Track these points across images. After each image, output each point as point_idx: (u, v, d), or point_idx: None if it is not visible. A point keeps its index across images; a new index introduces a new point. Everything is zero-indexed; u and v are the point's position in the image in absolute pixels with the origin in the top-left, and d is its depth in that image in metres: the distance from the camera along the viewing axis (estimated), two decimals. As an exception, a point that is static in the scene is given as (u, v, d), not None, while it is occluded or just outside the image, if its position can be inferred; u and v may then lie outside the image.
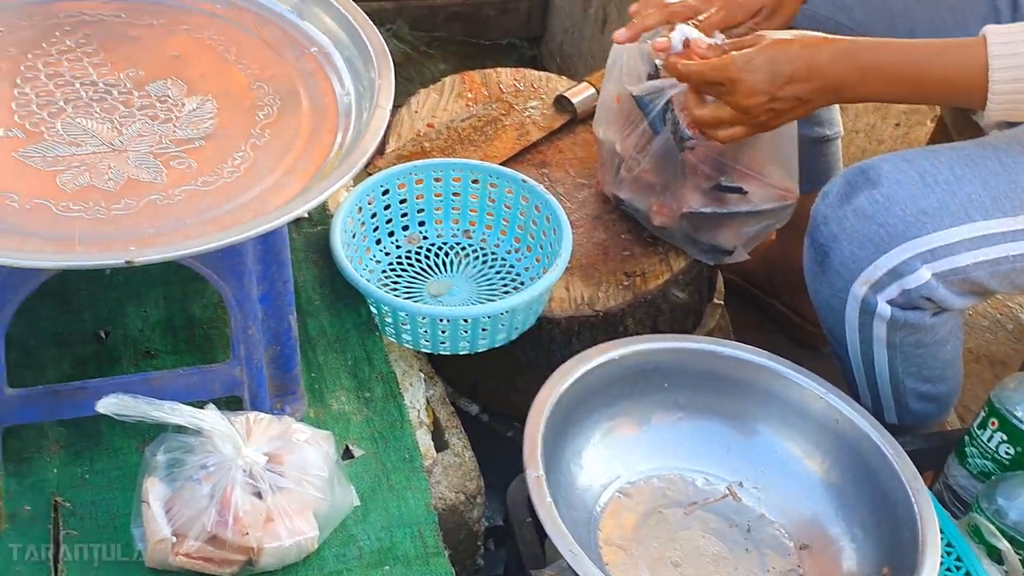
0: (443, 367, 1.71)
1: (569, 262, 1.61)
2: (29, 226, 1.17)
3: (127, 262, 1.11)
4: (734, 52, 1.51)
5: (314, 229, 1.70)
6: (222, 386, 1.33)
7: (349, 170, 1.24)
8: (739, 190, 1.72)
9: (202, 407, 1.24)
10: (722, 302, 2.01)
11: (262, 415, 1.29)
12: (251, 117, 1.35)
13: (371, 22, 1.43)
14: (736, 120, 1.54)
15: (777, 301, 2.27)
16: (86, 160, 1.25)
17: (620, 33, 1.65)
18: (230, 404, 1.37)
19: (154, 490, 1.22)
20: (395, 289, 1.68)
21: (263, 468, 1.24)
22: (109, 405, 1.14)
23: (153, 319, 1.56)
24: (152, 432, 1.26)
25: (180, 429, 1.23)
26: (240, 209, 1.24)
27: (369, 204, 1.70)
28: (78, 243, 1.15)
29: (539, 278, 1.57)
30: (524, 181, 1.69)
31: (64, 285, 1.57)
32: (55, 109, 1.31)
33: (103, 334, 1.53)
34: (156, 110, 1.33)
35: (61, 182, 1.22)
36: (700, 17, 1.63)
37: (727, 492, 1.56)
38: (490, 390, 1.84)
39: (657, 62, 1.66)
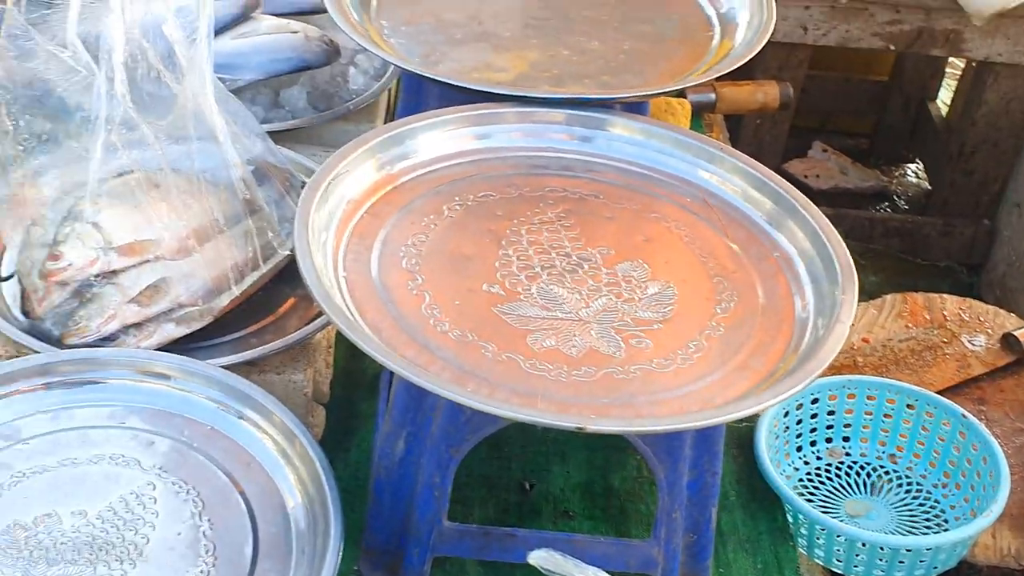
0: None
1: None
2: (497, 376, 1.27)
3: (579, 428, 1.18)
4: None
5: (739, 424, 1.72)
6: (637, 563, 1.36)
7: (803, 379, 1.26)
8: None
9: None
10: None
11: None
12: (709, 309, 1.40)
13: (840, 238, 1.45)
14: None
15: None
16: (554, 325, 1.35)
17: None
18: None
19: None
20: (811, 500, 1.66)
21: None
22: (539, 558, 1.19)
23: (574, 480, 1.63)
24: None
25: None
26: (689, 396, 1.28)
27: (797, 409, 1.70)
28: (540, 400, 1.24)
29: (967, 519, 1.51)
30: (964, 416, 1.64)
31: (500, 432, 1.67)
32: (532, 273, 1.42)
33: (527, 486, 1.61)
34: (621, 288, 1.42)
35: (530, 341, 1.32)
36: None
37: None
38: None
39: None
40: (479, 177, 1.57)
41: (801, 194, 1.53)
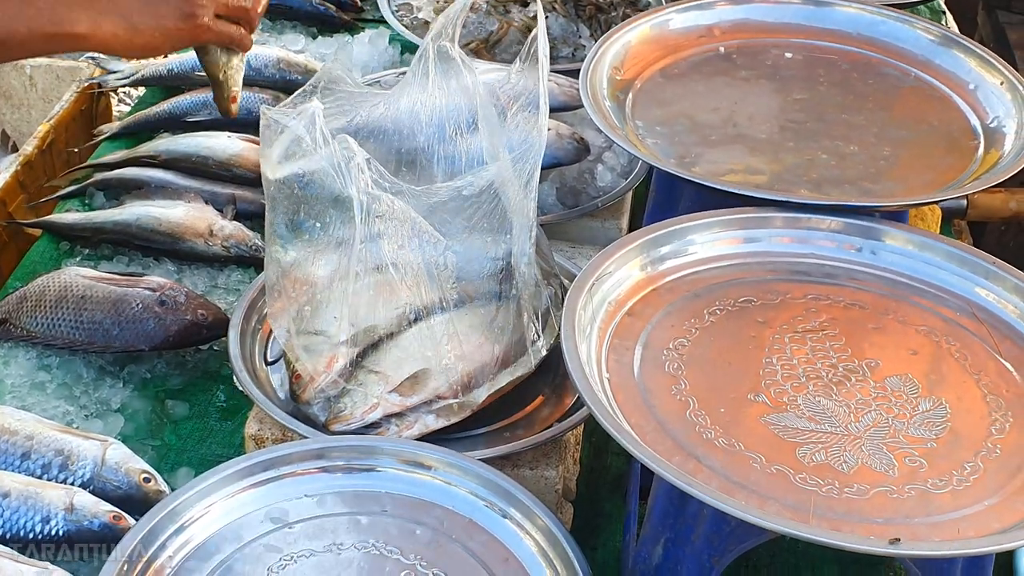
0: None
1: None
2: (767, 489, 1.25)
3: (892, 540, 1.15)
4: None
5: (1001, 547, 1.64)
6: None
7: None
8: None
9: None
10: None
11: None
12: (983, 429, 1.36)
13: None
14: None
15: None
16: (823, 439, 1.32)
17: None
18: None
19: None
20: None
21: None
22: None
23: (825, 596, 1.59)
24: None
25: None
26: (966, 520, 1.24)
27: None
28: (812, 516, 1.21)
29: None
30: None
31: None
32: (798, 384, 1.40)
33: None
34: (891, 403, 1.38)
35: (800, 454, 1.30)
36: None
37: None
38: None
39: None
40: (739, 282, 1.57)
41: (1083, 313, 1.47)
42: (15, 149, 3.49)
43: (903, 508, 1.24)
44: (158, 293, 1.89)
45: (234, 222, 2.13)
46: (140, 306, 1.88)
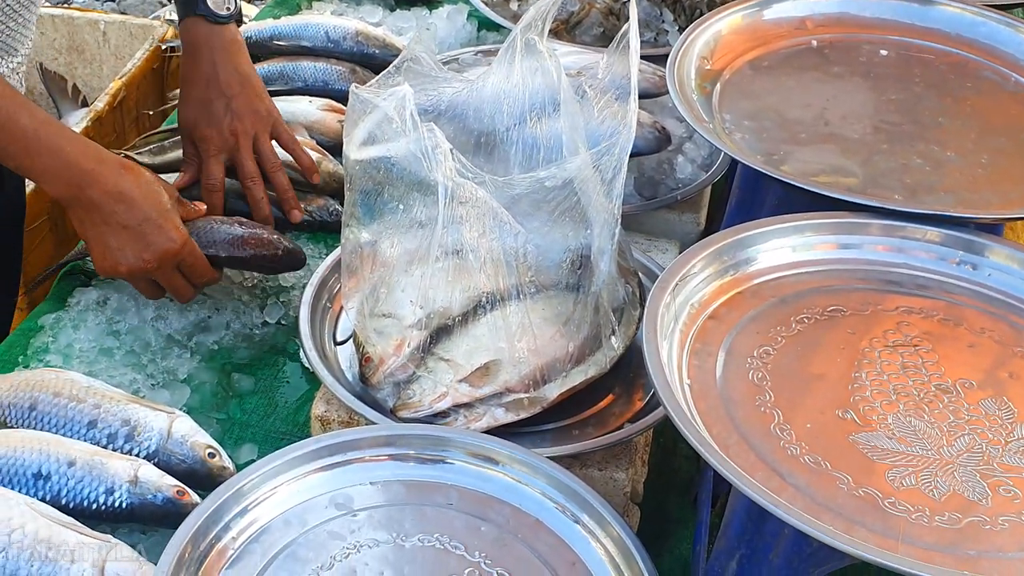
0: None
1: None
2: (853, 511, 1.21)
3: None
4: None
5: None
6: None
7: None
8: None
9: None
10: None
11: None
12: (1083, 460, 1.30)
13: None
14: None
15: None
16: (913, 462, 1.27)
17: None
18: None
19: None
20: None
21: None
22: None
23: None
24: None
25: None
26: (1062, 557, 1.18)
27: None
28: (900, 544, 1.17)
29: None
30: None
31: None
32: (888, 401, 1.35)
33: (847, 618, 1.53)
34: (985, 428, 1.33)
35: (889, 477, 1.25)
36: None
37: None
38: None
39: None
40: (828, 289, 1.51)
41: None
42: (85, 104, 3.49)
43: (996, 541, 1.19)
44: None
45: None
46: (219, 220, 1.90)
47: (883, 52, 1.99)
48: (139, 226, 1.72)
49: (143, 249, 1.72)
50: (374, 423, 1.54)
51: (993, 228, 1.65)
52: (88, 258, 1.85)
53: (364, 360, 1.61)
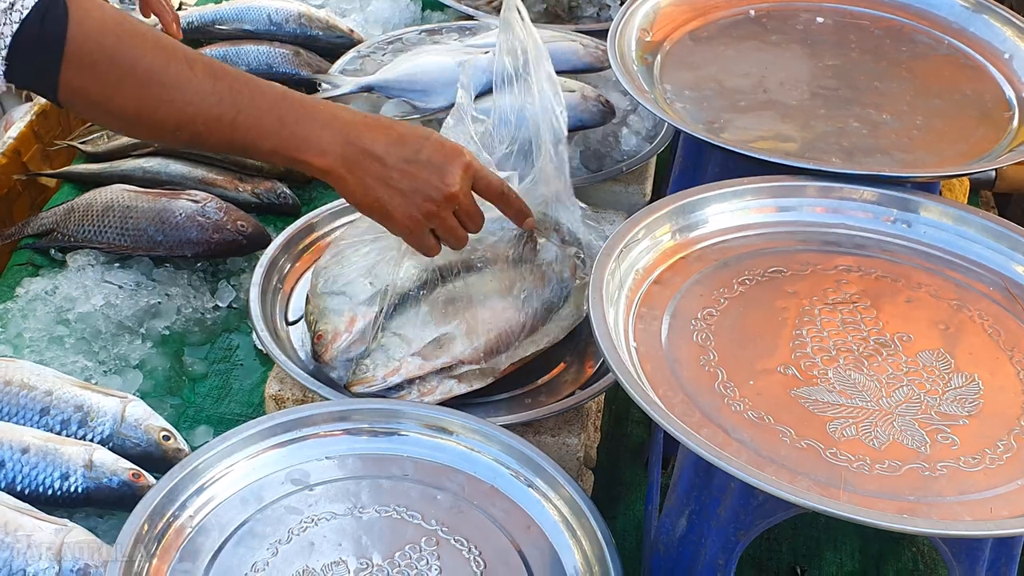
0: None
1: None
2: (796, 463, 1.23)
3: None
4: None
5: None
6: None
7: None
8: None
9: None
10: None
11: None
12: (1016, 407, 1.33)
13: None
14: None
15: None
16: (854, 414, 1.30)
17: None
18: None
19: None
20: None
21: None
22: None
23: (847, 569, 1.58)
24: None
25: None
26: (998, 499, 1.21)
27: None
28: (843, 492, 1.20)
29: None
30: None
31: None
32: (828, 356, 1.38)
33: (799, 570, 1.56)
34: (923, 378, 1.36)
35: (830, 429, 1.28)
36: None
37: None
38: None
39: None
40: (769, 251, 1.54)
41: (1118, 291, 1.44)
42: (29, 98, 3.45)
43: (935, 486, 1.22)
44: (200, 204, 1.97)
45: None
46: (183, 215, 1.95)
47: (819, 19, 2.02)
48: (422, 170, 1.51)
49: (433, 190, 1.51)
50: (328, 399, 1.55)
51: (929, 187, 1.68)
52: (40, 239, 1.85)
53: (316, 338, 1.62)
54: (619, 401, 1.80)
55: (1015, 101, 1.80)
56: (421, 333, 1.59)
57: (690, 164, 1.86)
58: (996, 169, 2.23)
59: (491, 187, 1.57)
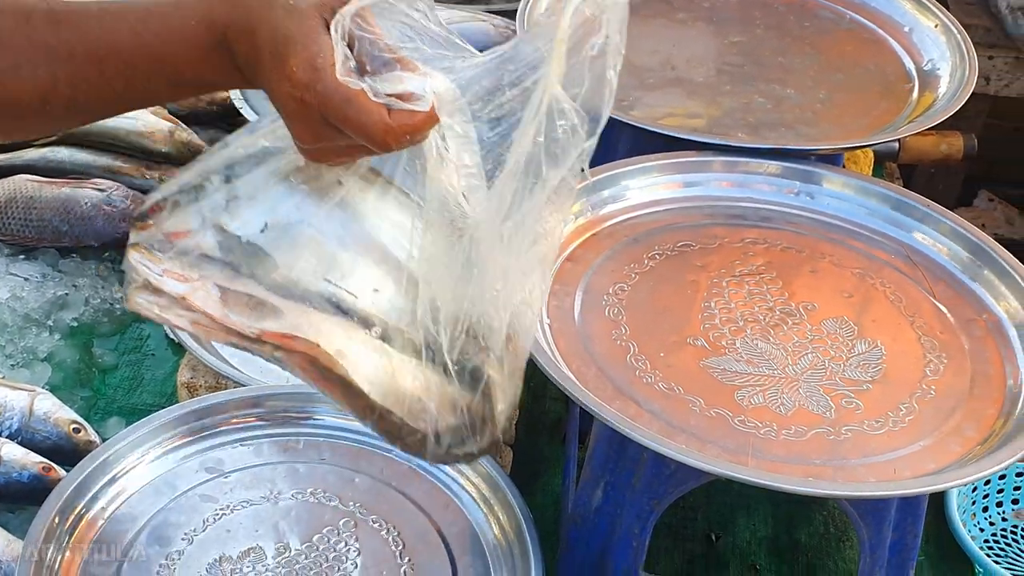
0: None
1: None
2: (706, 432, 1.26)
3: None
4: None
5: (932, 486, 1.67)
6: (838, 626, 1.34)
7: (1017, 452, 1.23)
8: None
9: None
10: None
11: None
12: (918, 371, 1.37)
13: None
14: None
15: None
16: (761, 381, 1.33)
17: None
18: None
19: None
20: (997, 563, 1.61)
21: None
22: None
23: (760, 534, 1.60)
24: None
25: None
26: (902, 461, 1.25)
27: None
28: (751, 458, 1.22)
29: None
30: None
31: (686, 483, 1.66)
32: (736, 327, 1.40)
33: (713, 537, 1.59)
34: (827, 346, 1.39)
35: (738, 397, 1.30)
36: None
37: None
38: None
39: None
40: (678, 226, 1.56)
41: (1012, 257, 1.48)
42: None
43: (840, 449, 1.25)
44: (105, 193, 1.93)
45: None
46: (88, 204, 1.91)
47: (725, -4, 2.05)
48: None
49: None
50: (242, 385, 1.54)
51: (834, 160, 1.72)
52: None
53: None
54: (537, 378, 1.80)
55: (915, 73, 1.85)
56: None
57: (602, 142, 1.86)
58: (899, 141, 2.27)
59: None
